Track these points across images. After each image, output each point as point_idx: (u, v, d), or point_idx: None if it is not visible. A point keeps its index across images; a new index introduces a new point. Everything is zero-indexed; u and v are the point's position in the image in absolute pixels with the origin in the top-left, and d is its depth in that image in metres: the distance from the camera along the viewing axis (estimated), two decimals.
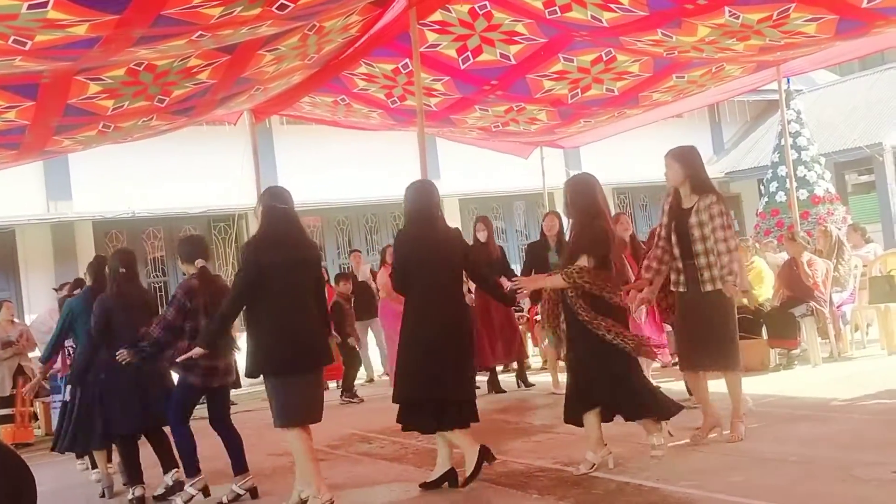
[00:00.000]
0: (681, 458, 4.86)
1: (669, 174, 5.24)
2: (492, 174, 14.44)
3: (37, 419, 9.49)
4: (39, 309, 11.21)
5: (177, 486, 5.43)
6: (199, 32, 5.36)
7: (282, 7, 5.24)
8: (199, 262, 5.32)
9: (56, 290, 9.27)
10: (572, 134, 11.43)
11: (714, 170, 17.83)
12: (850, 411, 5.84)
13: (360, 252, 12.26)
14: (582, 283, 4.69)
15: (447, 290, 4.87)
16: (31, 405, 9.25)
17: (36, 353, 9.55)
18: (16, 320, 9.80)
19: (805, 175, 12.55)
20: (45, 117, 6.82)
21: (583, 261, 4.75)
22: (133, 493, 5.52)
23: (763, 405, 6.06)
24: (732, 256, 4.99)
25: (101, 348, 5.54)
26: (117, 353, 5.19)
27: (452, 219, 15.02)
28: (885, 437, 4.88)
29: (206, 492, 5.31)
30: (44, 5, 4.32)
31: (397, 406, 4.91)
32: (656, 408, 4.82)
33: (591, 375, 4.77)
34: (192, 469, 5.27)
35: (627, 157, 15.37)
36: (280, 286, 4.61)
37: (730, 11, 6.55)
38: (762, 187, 14.02)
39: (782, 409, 6.04)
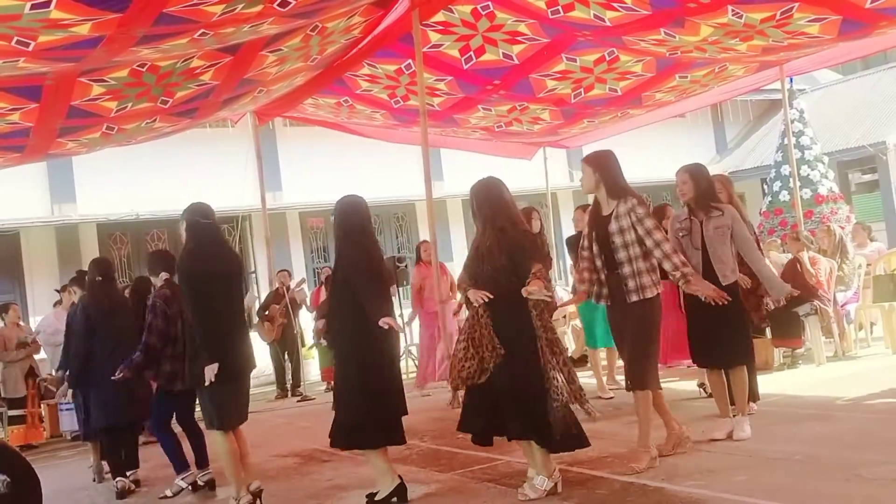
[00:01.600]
0: (685, 457, 4.85)
1: (583, 181, 4.95)
2: (496, 175, 14.42)
3: (42, 421, 9.51)
4: (44, 311, 11.22)
5: (194, 486, 5.70)
6: (202, 30, 5.36)
7: (283, 4, 5.25)
8: (164, 276, 5.74)
9: (58, 291, 9.29)
10: (575, 134, 11.43)
11: (717, 169, 17.79)
12: (854, 410, 5.82)
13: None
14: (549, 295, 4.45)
15: None
16: (39, 407, 9.29)
17: (41, 356, 9.59)
18: (21, 323, 9.82)
19: (808, 174, 12.53)
20: (49, 119, 6.83)
21: (535, 269, 4.30)
22: (116, 486, 5.82)
23: (768, 404, 6.05)
24: (674, 260, 4.64)
25: (92, 349, 5.94)
26: (115, 376, 5.51)
27: (456, 220, 15.05)
28: (890, 436, 4.86)
29: (211, 485, 5.64)
30: (46, 5, 4.32)
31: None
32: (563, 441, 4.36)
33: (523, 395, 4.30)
34: (180, 465, 5.64)
35: (631, 157, 15.22)
36: (216, 297, 4.82)
37: (733, 11, 6.54)
38: (765, 187, 13.99)
39: (787, 408, 6.03)
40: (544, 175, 12.38)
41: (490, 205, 4.55)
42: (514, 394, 4.30)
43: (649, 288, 4.65)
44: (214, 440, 4.94)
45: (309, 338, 11.39)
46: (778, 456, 4.66)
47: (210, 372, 4.71)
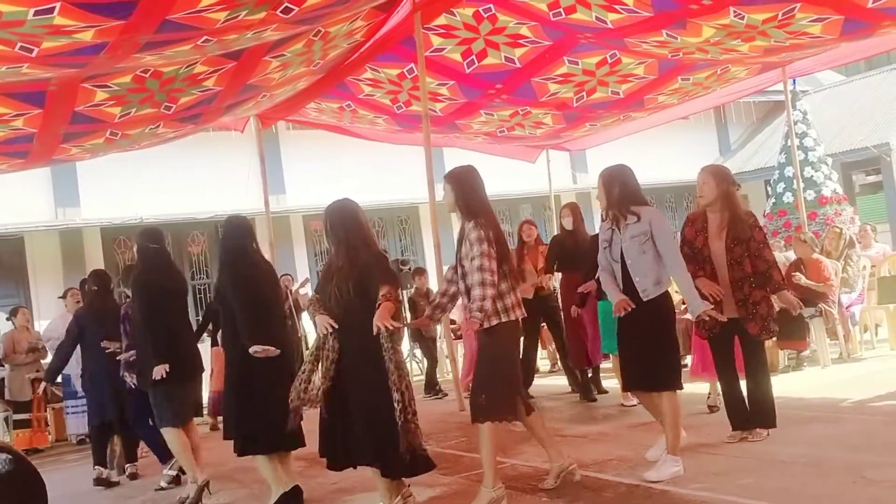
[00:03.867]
0: (691, 460, 4.84)
1: (445, 199, 4.62)
2: (498, 178, 14.36)
3: (48, 425, 9.52)
4: (48, 315, 11.22)
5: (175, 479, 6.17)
6: (205, 37, 5.37)
7: (286, 10, 5.26)
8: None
9: (61, 297, 9.30)
10: (578, 137, 11.43)
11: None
12: (860, 412, 5.81)
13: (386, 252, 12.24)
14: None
15: None
16: (45, 411, 9.31)
17: (45, 360, 9.60)
18: (29, 327, 9.83)
19: (812, 176, 12.50)
20: (53, 125, 6.85)
21: (384, 291, 4.16)
22: (96, 474, 6.54)
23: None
24: (485, 291, 4.19)
25: (71, 353, 6.72)
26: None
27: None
28: None
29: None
30: (50, 11, 4.33)
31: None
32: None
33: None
34: (165, 456, 6.07)
35: (634, 159, 15.20)
36: (169, 311, 5.52)
37: (734, 12, 6.53)
38: (769, 188, 13.96)
39: (792, 410, 6.01)
40: (547, 177, 12.37)
41: (344, 225, 4.39)
42: (362, 420, 4.22)
43: (494, 315, 4.29)
44: (167, 434, 5.57)
45: (312, 341, 11.39)
46: (783, 458, 4.65)
47: (158, 372, 5.30)
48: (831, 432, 5.20)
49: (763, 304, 5.09)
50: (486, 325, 4.28)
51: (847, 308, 8.35)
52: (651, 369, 4.65)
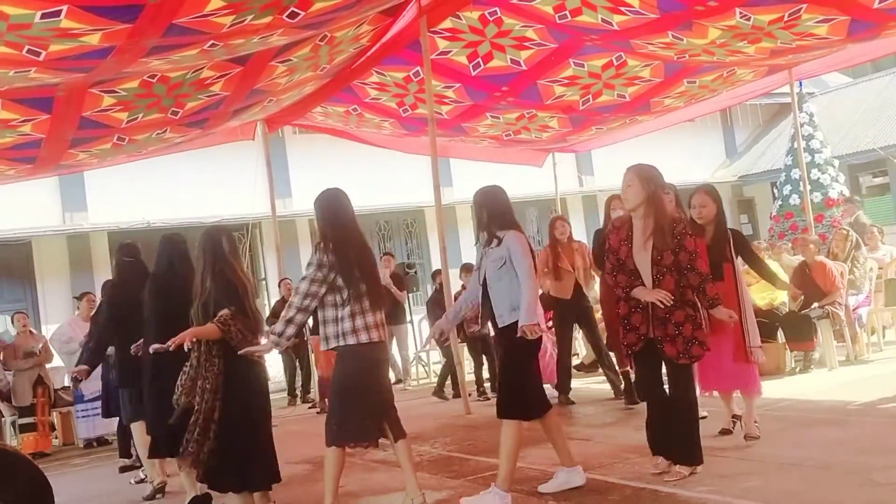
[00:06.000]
0: None
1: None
2: (504, 181, 14.38)
3: (54, 429, 9.55)
4: (56, 319, 11.28)
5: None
6: (211, 42, 5.39)
7: (292, 15, 5.27)
8: None
9: (77, 298, 9.34)
10: (584, 140, 11.43)
11: (727, 174, 17.77)
12: (867, 415, 5.79)
13: (392, 255, 12.14)
14: (235, 332, 4.39)
15: None
16: (50, 415, 9.33)
17: (55, 364, 9.64)
18: (33, 330, 9.86)
19: (819, 178, 12.49)
20: (61, 130, 6.88)
21: (222, 313, 4.37)
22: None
23: (780, 409, 6.03)
24: (287, 319, 4.29)
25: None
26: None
27: (465, 226, 15.05)
28: None
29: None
30: (57, 14, 4.35)
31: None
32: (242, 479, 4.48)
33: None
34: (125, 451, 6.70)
35: (640, 161, 15.33)
36: (130, 321, 5.72)
37: (741, 13, 6.53)
38: (776, 190, 13.95)
39: (799, 412, 6.00)
40: (553, 180, 12.37)
41: (213, 252, 4.60)
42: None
43: (331, 339, 4.35)
44: (133, 431, 5.99)
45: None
46: (790, 461, 4.64)
47: (80, 373, 6.16)
48: (838, 435, 5.18)
49: (688, 325, 4.47)
50: (329, 347, 4.37)
51: (854, 310, 8.33)
52: (499, 394, 4.56)
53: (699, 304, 4.52)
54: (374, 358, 4.41)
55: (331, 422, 4.38)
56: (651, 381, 4.69)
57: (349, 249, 4.39)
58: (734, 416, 5.42)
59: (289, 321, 4.30)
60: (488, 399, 8.48)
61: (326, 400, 7.85)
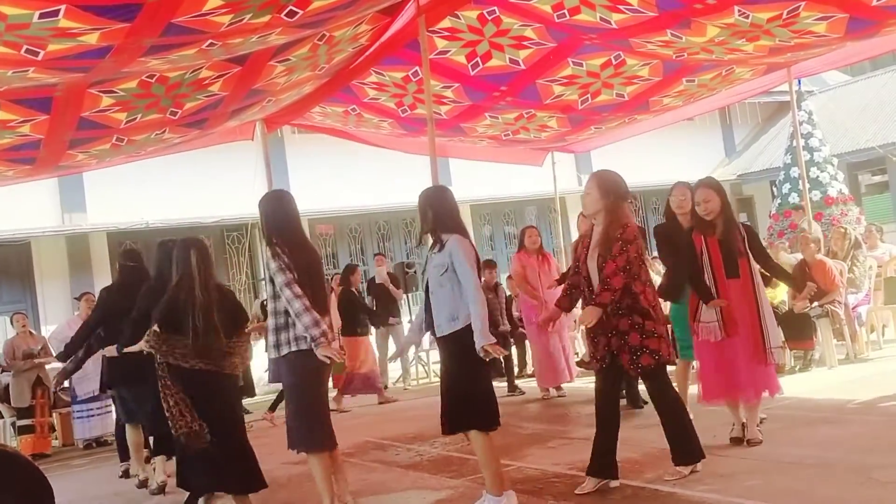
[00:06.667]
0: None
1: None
2: (504, 180, 14.46)
3: (54, 430, 9.55)
4: (55, 319, 11.27)
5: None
6: (210, 41, 5.39)
7: (290, 14, 5.27)
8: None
9: (77, 299, 9.33)
10: (583, 139, 11.42)
11: (726, 172, 17.77)
12: (867, 413, 5.79)
13: (383, 255, 12.27)
14: (149, 348, 4.65)
15: None
16: (49, 416, 9.32)
17: (53, 366, 9.63)
18: (32, 331, 9.84)
19: (818, 176, 12.49)
20: (60, 131, 6.87)
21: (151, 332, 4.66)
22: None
23: (780, 408, 6.02)
24: (303, 320, 4.28)
25: None
26: None
27: (465, 225, 15.06)
28: None
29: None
30: (55, 14, 4.35)
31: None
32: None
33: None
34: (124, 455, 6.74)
35: (639, 160, 15.33)
36: (117, 324, 5.98)
37: (739, 11, 6.53)
38: (775, 189, 13.96)
39: (799, 411, 6.00)
40: (552, 179, 12.37)
41: (181, 265, 4.80)
42: None
43: (283, 345, 4.39)
44: (127, 431, 6.39)
45: None
46: (790, 460, 4.64)
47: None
48: (838, 433, 5.18)
49: (634, 335, 4.39)
50: (280, 354, 4.40)
51: (853, 309, 8.34)
52: (444, 408, 4.42)
53: (653, 313, 4.41)
54: (322, 363, 4.38)
55: (300, 428, 4.41)
56: (605, 397, 4.58)
57: (297, 253, 4.42)
58: (744, 424, 5.21)
59: (315, 321, 4.25)
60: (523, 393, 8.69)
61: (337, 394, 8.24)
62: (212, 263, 4.94)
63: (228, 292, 5.11)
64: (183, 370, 4.60)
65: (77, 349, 6.59)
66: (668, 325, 4.49)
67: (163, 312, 4.69)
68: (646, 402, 6.66)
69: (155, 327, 4.66)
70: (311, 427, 4.42)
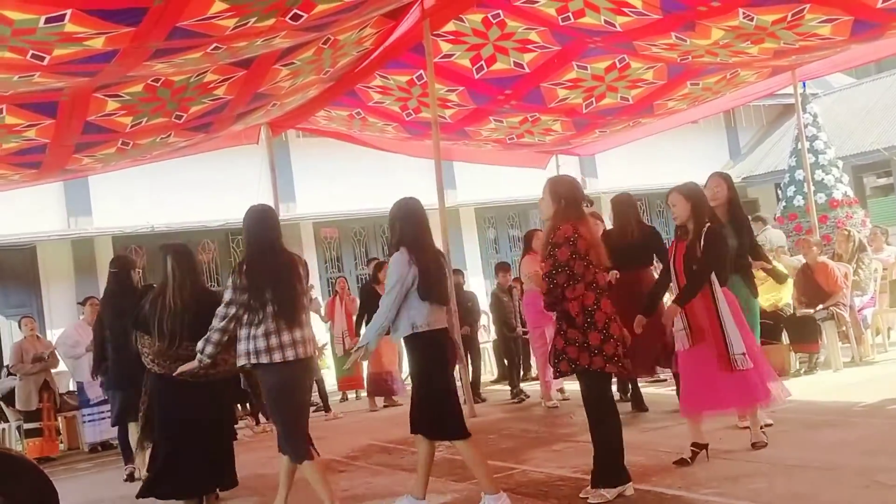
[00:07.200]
0: (704, 465, 4.82)
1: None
2: (507, 183, 14.45)
3: (59, 434, 9.56)
4: (60, 323, 11.29)
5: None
6: (215, 45, 5.40)
7: (295, 17, 5.29)
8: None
9: (80, 303, 9.34)
10: (587, 143, 11.43)
11: (731, 175, 17.73)
12: (873, 416, 5.77)
13: (377, 259, 12.26)
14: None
15: None
16: (55, 420, 9.33)
17: (60, 369, 9.65)
18: (39, 336, 9.86)
19: (823, 179, 12.45)
20: (65, 135, 6.89)
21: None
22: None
23: (785, 411, 6.00)
24: (206, 339, 4.53)
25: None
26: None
27: (469, 229, 15.07)
28: None
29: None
30: (61, 19, 4.37)
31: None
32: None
33: None
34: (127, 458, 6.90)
35: (644, 163, 15.33)
36: (113, 330, 6.33)
37: (744, 13, 6.53)
38: (780, 192, 13.92)
39: (805, 414, 5.98)
40: None
41: (166, 272, 4.95)
42: None
43: (241, 357, 4.50)
44: (130, 429, 6.55)
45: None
46: (796, 463, 4.62)
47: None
48: (844, 436, 5.17)
49: (558, 339, 4.42)
50: (249, 362, 4.49)
51: (859, 311, 8.31)
52: (413, 408, 4.55)
53: (580, 320, 4.33)
54: (292, 376, 4.49)
55: (290, 438, 4.56)
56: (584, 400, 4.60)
57: (264, 270, 4.49)
58: (762, 427, 5.14)
59: (207, 340, 4.52)
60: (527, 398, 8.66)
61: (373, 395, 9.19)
62: (194, 268, 5.04)
63: (213, 298, 4.99)
64: (154, 374, 4.92)
65: (102, 361, 6.85)
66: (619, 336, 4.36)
67: (137, 317, 4.93)
68: (647, 409, 6.75)
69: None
70: (288, 438, 4.57)
